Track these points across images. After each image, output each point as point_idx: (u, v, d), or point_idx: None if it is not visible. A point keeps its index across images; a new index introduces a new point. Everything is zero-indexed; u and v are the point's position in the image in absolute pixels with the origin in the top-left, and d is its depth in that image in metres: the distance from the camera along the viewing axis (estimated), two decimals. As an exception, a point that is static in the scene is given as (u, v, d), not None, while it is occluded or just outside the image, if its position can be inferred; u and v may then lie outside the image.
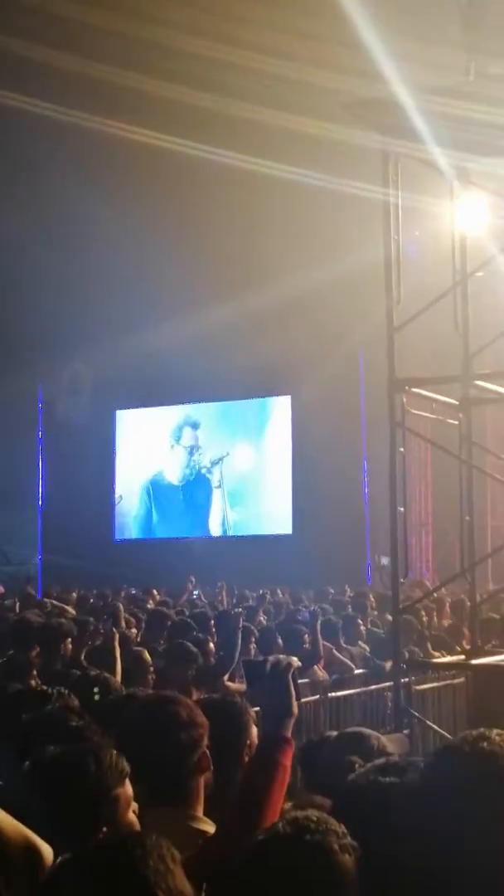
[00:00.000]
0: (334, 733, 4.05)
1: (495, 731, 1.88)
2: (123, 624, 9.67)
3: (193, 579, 16.30)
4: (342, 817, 2.06)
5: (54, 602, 12.57)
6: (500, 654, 8.31)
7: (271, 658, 2.99)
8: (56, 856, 2.54)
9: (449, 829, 1.73)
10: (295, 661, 2.98)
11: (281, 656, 3.01)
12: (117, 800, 2.80)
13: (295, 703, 2.89)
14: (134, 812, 2.86)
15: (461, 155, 8.18)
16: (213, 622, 9.75)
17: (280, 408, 25.49)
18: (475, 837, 1.73)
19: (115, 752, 2.89)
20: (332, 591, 16.08)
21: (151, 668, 7.38)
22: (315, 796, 2.96)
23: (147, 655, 7.57)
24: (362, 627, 11.30)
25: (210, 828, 3.11)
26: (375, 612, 12.98)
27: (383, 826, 1.93)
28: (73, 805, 2.73)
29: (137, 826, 2.83)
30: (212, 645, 8.48)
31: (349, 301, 19.05)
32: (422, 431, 9.09)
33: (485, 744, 1.82)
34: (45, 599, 13.69)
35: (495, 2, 7.17)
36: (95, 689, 4.46)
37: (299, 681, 3.03)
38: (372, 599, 13.79)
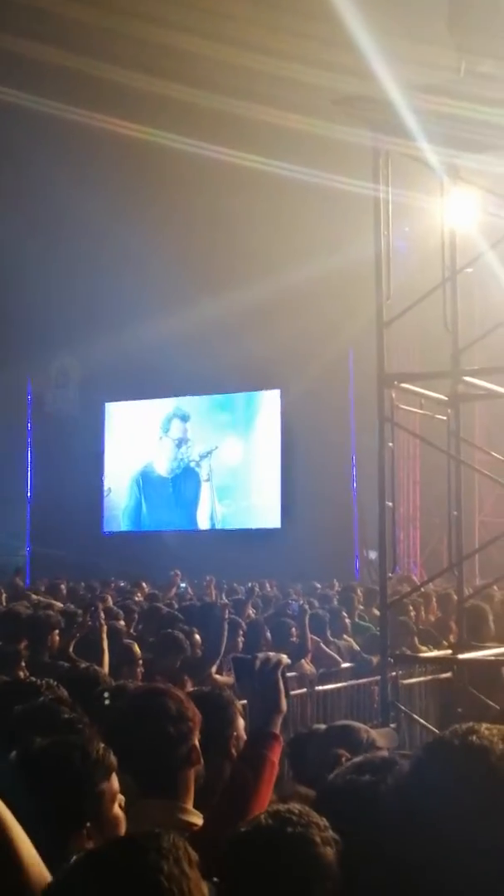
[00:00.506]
0: (323, 726, 4.08)
1: (484, 725, 1.88)
2: (106, 615, 9.67)
3: (178, 573, 16.31)
4: (325, 811, 2.08)
5: (40, 598, 12.55)
6: (487, 648, 8.35)
7: (260, 655, 3.02)
8: (40, 848, 2.54)
9: (437, 823, 1.74)
10: (284, 658, 3.01)
11: (270, 654, 3.04)
12: (103, 794, 2.78)
13: (283, 700, 2.92)
14: (120, 806, 2.85)
15: (451, 152, 8.20)
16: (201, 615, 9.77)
17: (269, 402, 25.50)
18: (463, 832, 1.74)
19: (102, 745, 2.87)
20: (319, 585, 16.13)
21: (140, 661, 7.40)
22: (299, 787, 2.99)
23: (136, 648, 7.59)
24: (347, 620, 11.34)
25: (199, 820, 3.13)
26: (362, 607, 13.03)
27: (367, 821, 1.94)
28: (58, 798, 2.70)
29: (123, 820, 2.81)
30: (198, 637, 8.50)
31: (339, 297, 19.08)
32: (410, 427, 9.13)
33: (474, 737, 1.82)
34: (31, 594, 13.66)
35: (481, 1, 7.19)
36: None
37: (287, 674, 3.06)
38: (359, 594, 13.83)
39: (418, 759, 1.85)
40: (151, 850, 1.80)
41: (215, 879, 2.02)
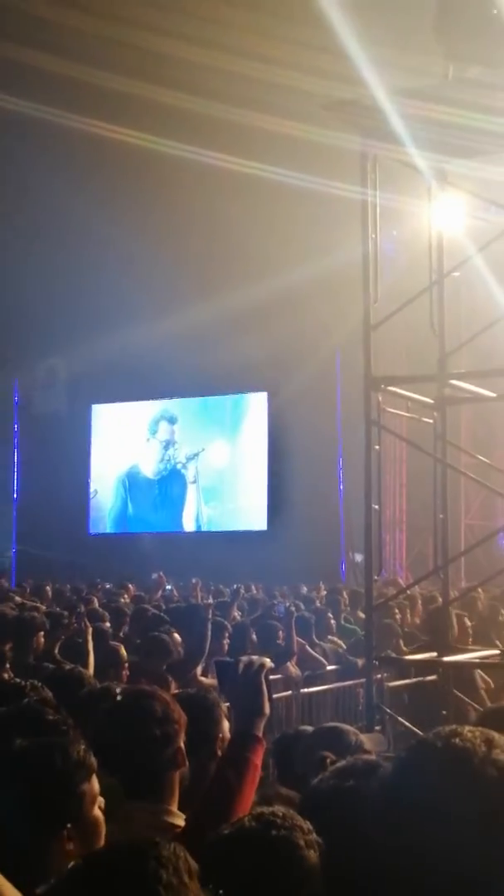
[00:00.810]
0: (310, 728, 4.09)
1: (467, 727, 1.89)
2: (92, 617, 9.67)
3: (161, 575, 16.31)
4: (308, 814, 2.09)
5: (25, 601, 12.54)
6: (472, 651, 8.39)
7: (244, 659, 3.03)
8: (20, 847, 2.53)
9: (420, 826, 1.75)
10: (267, 661, 3.02)
11: (254, 657, 3.05)
12: (84, 795, 2.77)
13: (267, 704, 2.93)
14: (100, 808, 2.85)
15: (439, 157, 8.24)
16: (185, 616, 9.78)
17: (256, 404, 25.51)
18: (446, 835, 1.74)
19: (83, 747, 2.86)
20: (306, 588, 16.15)
21: (126, 663, 7.40)
22: (282, 789, 3.00)
23: (122, 650, 7.59)
24: (332, 621, 11.36)
25: (184, 823, 3.14)
26: (348, 609, 13.06)
27: (351, 824, 1.94)
28: (39, 799, 2.69)
29: (103, 822, 2.80)
30: (177, 636, 8.50)
31: (327, 300, 19.12)
32: (397, 430, 9.15)
33: (457, 740, 1.82)
34: (15, 595, 13.64)
35: (468, 9, 7.23)
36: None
37: (272, 677, 3.07)
38: (345, 596, 13.86)
39: (401, 763, 1.85)
40: (151, 858, 1.75)
41: (211, 887, 2.02)
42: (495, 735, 1.91)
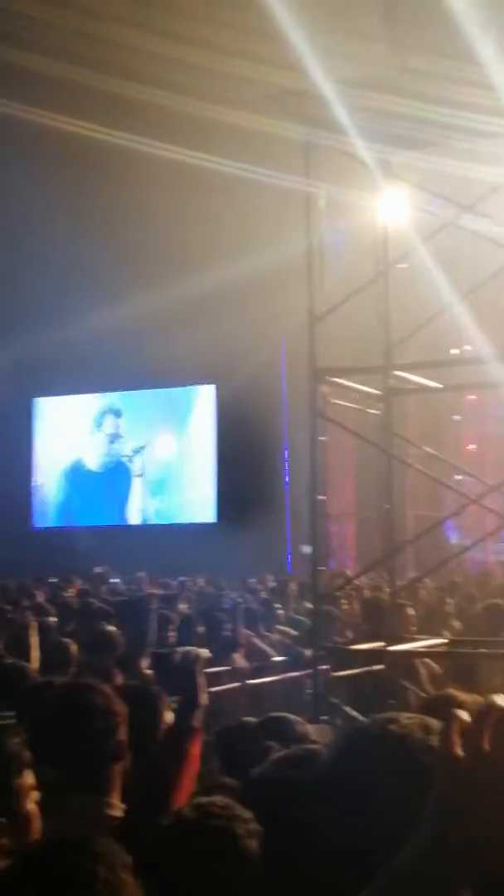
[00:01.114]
0: (254, 720, 4.08)
1: (405, 714, 1.88)
2: (37, 612, 9.59)
3: (104, 569, 16.22)
4: (249, 803, 2.07)
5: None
6: (419, 640, 8.42)
7: (180, 650, 3.01)
8: None
9: (355, 812, 1.73)
10: (204, 652, 3.01)
11: (190, 648, 3.03)
12: (17, 790, 2.75)
13: (203, 694, 2.91)
14: (35, 802, 2.81)
15: (384, 147, 8.24)
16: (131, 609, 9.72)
17: (204, 397, 25.46)
18: (383, 821, 1.73)
19: (16, 741, 2.83)
20: (253, 580, 16.16)
21: (73, 657, 7.33)
22: (225, 779, 2.99)
23: (68, 644, 7.52)
24: (280, 611, 11.37)
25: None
26: (297, 600, 13.07)
27: (291, 813, 1.93)
28: None
29: (37, 816, 2.78)
30: (115, 629, 8.44)
31: (274, 291, 19.08)
32: (346, 421, 9.16)
33: (394, 727, 1.81)
34: None
35: (415, -2, 7.25)
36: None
37: (220, 668, 3.06)
38: (293, 587, 13.87)
39: (337, 750, 1.84)
40: (86, 855, 1.75)
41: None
42: (433, 722, 1.90)
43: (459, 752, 1.42)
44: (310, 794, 1.84)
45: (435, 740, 1.85)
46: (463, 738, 1.43)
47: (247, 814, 2.05)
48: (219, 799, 2.10)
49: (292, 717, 3.91)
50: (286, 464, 23.02)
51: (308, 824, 1.78)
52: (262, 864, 1.99)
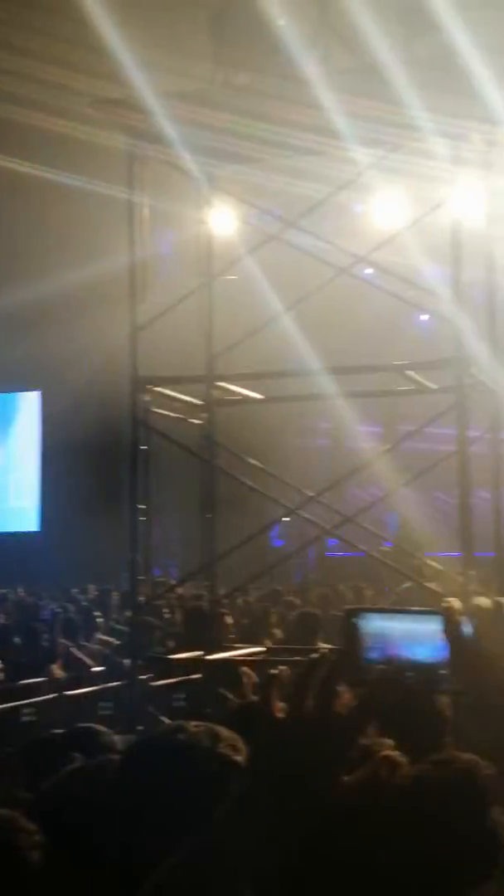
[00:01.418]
0: (59, 731, 4.04)
1: (193, 722, 1.91)
2: None
3: None
4: (37, 816, 2.06)
5: None
6: (238, 649, 8.51)
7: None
8: None
9: (141, 817, 1.76)
10: None
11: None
12: None
13: None
14: None
15: (209, 161, 8.32)
16: None
17: (29, 403, 25.04)
18: (168, 826, 1.75)
19: None
20: (75, 589, 16.01)
21: None
22: (22, 793, 2.96)
23: None
24: (100, 619, 11.31)
25: None
26: (118, 610, 13.01)
27: (79, 822, 1.94)
28: None
29: None
30: None
31: (104, 300, 18.96)
32: (174, 431, 9.17)
33: (181, 735, 1.85)
34: None
35: (239, 16, 7.36)
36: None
37: (37, 679, 3.03)
38: (116, 596, 13.80)
39: (125, 759, 1.87)
40: None
41: None
42: (223, 731, 1.94)
43: (278, 712, 1.45)
44: (96, 806, 1.85)
45: (224, 748, 1.89)
46: (283, 699, 1.46)
47: (31, 826, 2.04)
48: (2, 812, 2.08)
49: (99, 727, 3.89)
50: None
51: (91, 834, 1.79)
52: (46, 875, 1.99)
